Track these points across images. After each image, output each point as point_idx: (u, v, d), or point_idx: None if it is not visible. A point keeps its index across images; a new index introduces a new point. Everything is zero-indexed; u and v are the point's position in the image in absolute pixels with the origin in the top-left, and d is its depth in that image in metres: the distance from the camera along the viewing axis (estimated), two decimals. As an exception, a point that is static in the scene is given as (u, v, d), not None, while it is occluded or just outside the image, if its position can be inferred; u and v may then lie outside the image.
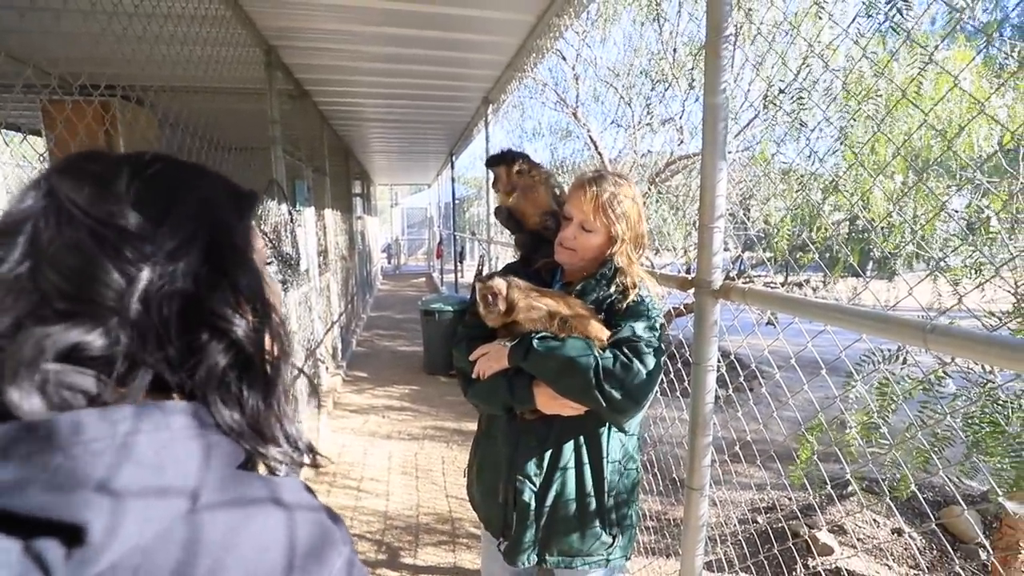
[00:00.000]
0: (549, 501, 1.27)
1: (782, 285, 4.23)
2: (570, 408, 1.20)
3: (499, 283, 1.25)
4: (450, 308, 5.50)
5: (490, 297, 1.25)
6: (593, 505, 1.27)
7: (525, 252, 1.52)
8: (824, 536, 2.73)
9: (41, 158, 2.79)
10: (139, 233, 0.42)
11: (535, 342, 1.19)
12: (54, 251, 0.40)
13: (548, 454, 1.26)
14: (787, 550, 2.48)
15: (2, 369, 0.37)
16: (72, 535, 0.34)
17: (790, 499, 3.14)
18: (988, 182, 2.11)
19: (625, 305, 1.25)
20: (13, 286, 0.39)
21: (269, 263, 0.52)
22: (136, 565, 0.36)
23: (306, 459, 0.53)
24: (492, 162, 1.53)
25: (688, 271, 4.45)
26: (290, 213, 3.48)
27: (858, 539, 2.85)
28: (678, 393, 2.07)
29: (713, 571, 2.57)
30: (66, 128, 2.70)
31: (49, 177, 0.44)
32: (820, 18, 2.39)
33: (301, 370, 0.58)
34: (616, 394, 1.12)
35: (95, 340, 0.40)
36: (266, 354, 0.49)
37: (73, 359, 0.39)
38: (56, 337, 0.39)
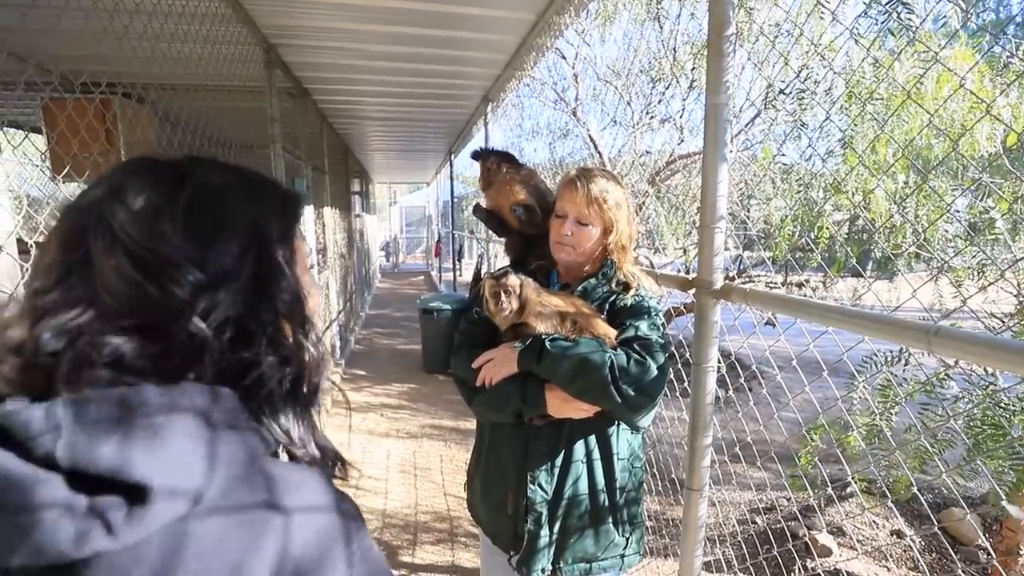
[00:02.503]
0: (562, 505, 1.25)
1: (782, 285, 4.23)
2: (582, 410, 1.19)
3: (513, 280, 1.21)
4: (448, 306, 5.50)
5: (503, 294, 1.20)
6: (606, 504, 1.27)
7: (516, 254, 1.50)
8: (823, 537, 2.72)
9: (43, 156, 2.78)
10: (186, 260, 0.44)
11: (548, 344, 1.16)
12: (107, 275, 0.42)
13: (559, 458, 1.25)
14: (786, 551, 2.48)
15: (57, 370, 0.40)
16: (134, 494, 0.37)
17: (789, 500, 3.14)
18: (991, 182, 2.10)
19: (628, 304, 1.25)
20: (74, 302, 0.42)
21: (312, 267, 0.55)
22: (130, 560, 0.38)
23: (337, 472, 0.56)
24: (474, 156, 1.52)
25: (688, 271, 4.45)
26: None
27: (857, 541, 2.85)
28: (678, 393, 2.06)
29: (712, 571, 2.56)
30: (67, 126, 2.69)
31: (101, 199, 0.45)
32: (822, 18, 2.39)
33: (338, 386, 0.62)
34: (632, 392, 1.11)
35: (140, 354, 0.42)
36: (308, 368, 0.51)
37: (123, 368, 0.42)
38: (102, 347, 0.41)
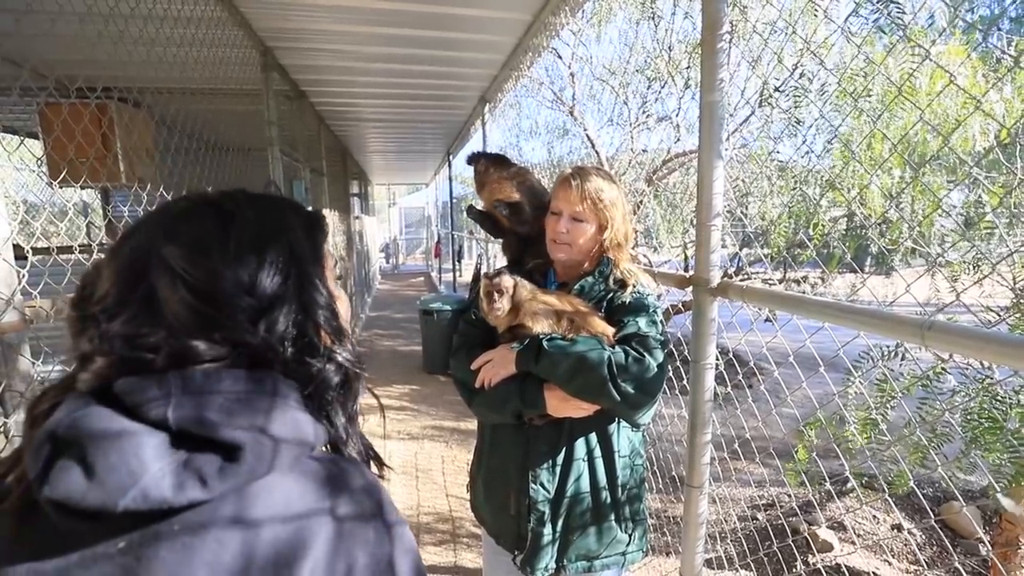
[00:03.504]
0: (564, 504, 1.25)
1: (780, 282, 4.24)
2: (581, 409, 1.19)
3: (507, 280, 1.22)
4: (448, 307, 5.50)
5: (495, 294, 1.20)
6: (608, 501, 1.27)
7: (513, 254, 1.51)
8: (824, 533, 2.73)
9: (39, 161, 2.78)
10: (237, 289, 0.51)
11: (545, 344, 1.17)
12: (173, 307, 0.49)
13: (560, 457, 1.25)
14: (787, 547, 2.48)
15: (154, 361, 0.47)
16: (230, 453, 0.45)
17: (789, 496, 3.15)
18: (985, 177, 2.11)
19: (626, 301, 1.25)
20: (146, 324, 0.49)
21: (339, 278, 0.63)
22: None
23: (373, 468, 0.63)
24: (468, 160, 1.53)
25: (686, 269, 4.46)
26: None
27: (857, 535, 2.86)
28: (677, 391, 2.07)
29: (713, 568, 2.57)
30: (63, 131, 2.69)
31: (155, 240, 0.51)
32: (815, 15, 2.40)
33: (371, 391, 0.69)
34: (631, 389, 1.12)
35: (219, 355, 0.49)
36: (350, 373, 0.58)
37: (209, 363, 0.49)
38: (191, 348, 0.48)
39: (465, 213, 1.69)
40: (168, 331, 0.48)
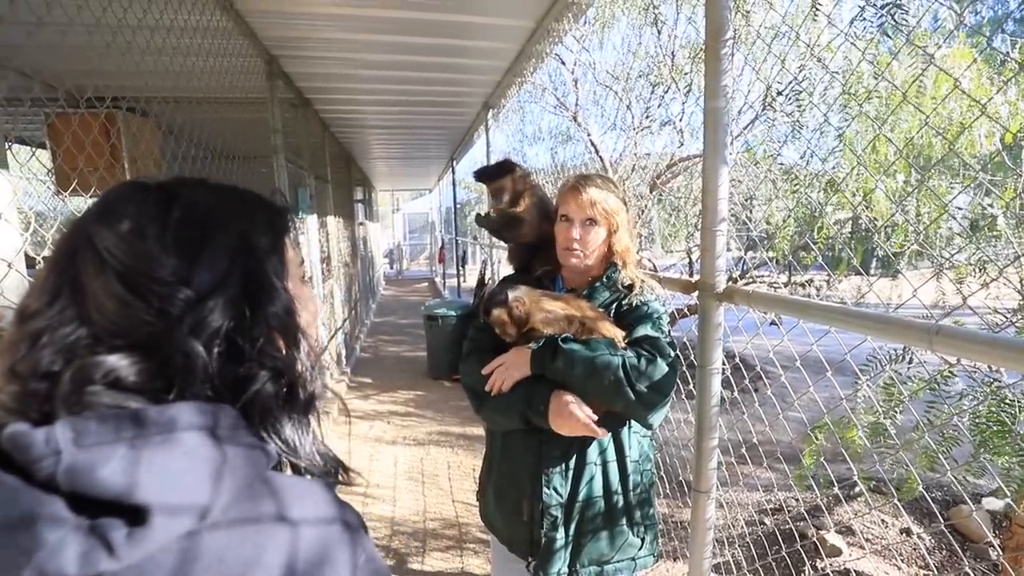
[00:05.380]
0: (577, 508, 1.26)
1: (785, 286, 4.22)
2: (585, 428, 1.16)
3: (497, 313, 1.22)
4: (453, 312, 5.52)
5: (498, 327, 1.23)
6: (620, 504, 1.28)
7: (521, 262, 1.51)
8: (832, 537, 2.71)
9: (49, 173, 2.81)
10: (173, 278, 0.45)
11: (560, 344, 1.18)
12: (97, 296, 0.43)
13: (573, 461, 1.25)
14: (795, 552, 2.47)
15: (56, 393, 0.41)
16: (134, 516, 0.38)
17: (797, 500, 3.13)
18: (991, 180, 2.10)
19: (634, 305, 1.27)
20: (66, 322, 0.43)
21: (306, 279, 0.57)
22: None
23: (340, 478, 0.57)
24: (497, 174, 1.46)
25: (692, 273, 4.45)
26: (293, 221, 3.50)
27: (866, 540, 2.84)
28: (683, 395, 2.07)
29: (721, 573, 2.55)
30: (72, 142, 2.72)
31: (87, 222, 0.46)
32: (816, 20, 2.40)
33: (337, 394, 0.63)
34: (645, 389, 1.13)
35: (136, 372, 0.43)
36: (301, 379, 0.52)
37: (120, 387, 0.43)
38: (98, 367, 0.42)
39: (476, 221, 1.67)
40: (89, 332, 0.43)
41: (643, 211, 4.79)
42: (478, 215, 1.59)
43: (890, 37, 2.09)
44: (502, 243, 1.70)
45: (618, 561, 1.29)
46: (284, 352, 0.51)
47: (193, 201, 0.48)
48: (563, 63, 5.29)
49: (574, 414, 1.16)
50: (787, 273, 4.23)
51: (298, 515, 0.45)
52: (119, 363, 0.42)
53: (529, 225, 1.45)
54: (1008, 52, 2.10)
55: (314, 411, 0.54)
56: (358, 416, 4.67)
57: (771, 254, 3.27)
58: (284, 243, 0.54)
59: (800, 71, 2.86)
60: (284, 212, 0.57)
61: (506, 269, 1.63)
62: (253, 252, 0.50)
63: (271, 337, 0.50)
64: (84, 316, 0.43)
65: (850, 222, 3.41)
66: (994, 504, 1.77)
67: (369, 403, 5.05)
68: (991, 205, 1.96)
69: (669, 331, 1.28)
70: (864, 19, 2.08)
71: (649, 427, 1.29)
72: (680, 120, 4.59)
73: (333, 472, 0.56)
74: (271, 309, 0.49)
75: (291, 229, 0.57)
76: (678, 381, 1.83)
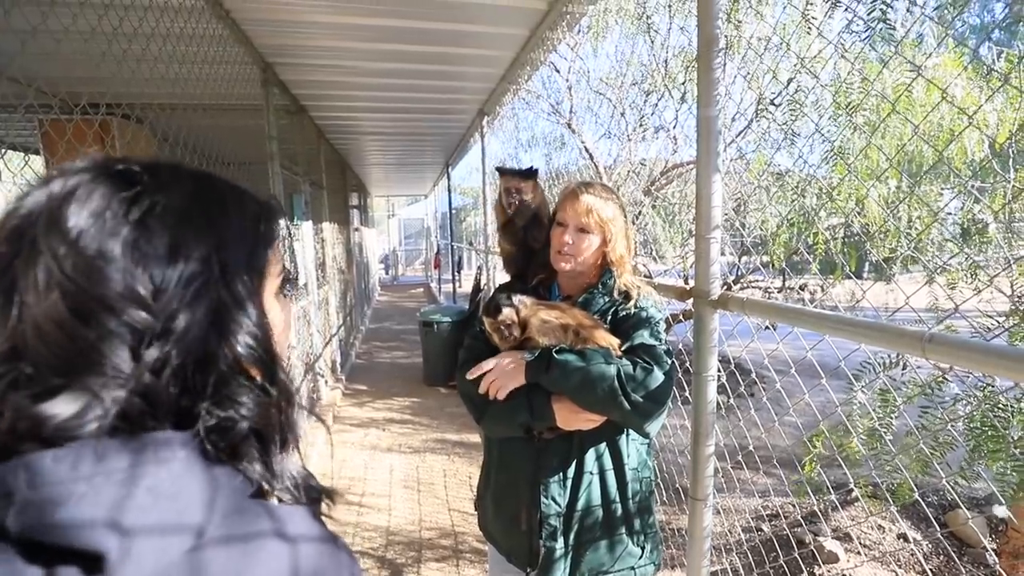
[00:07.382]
0: (576, 517, 1.25)
1: (779, 291, 4.24)
2: (591, 421, 1.19)
3: (508, 313, 1.24)
4: (449, 319, 5.50)
5: (504, 329, 1.23)
6: (619, 513, 1.27)
7: (518, 269, 1.51)
8: (830, 544, 2.71)
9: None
10: (131, 303, 0.38)
11: (555, 355, 1.17)
12: (38, 321, 0.37)
13: (571, 470, 1.25)
14: (792, 559, 2.46)
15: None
16: (92, 563, 0.34)
17: (794, 506, 3.13)
18: (980, 186, 2.12)
19: (631, 313, 1.27)
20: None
21: (287, 294, 0.50)
22: None
23: (322, 504, 0.52)
24: (528, 175, 1.48)
25: (686, 279, 4.47)
26: (288, 228, 3.50)
27: (864, 546, 2.84)
28: (679, 402, 2.07)
29: (719, 580, 2.55)
30: (66, 149, 2.71)
31: (36, 223, 0.38)
32: (808, 32, 2.43)
33: (313, 412, 0.58)
34: (641, 400, 1.13)
35: (82, 417, 0.37)
36: (272, 407, 0.47)
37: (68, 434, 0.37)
38: (35, 419, 0.36)
39: (497, 225, 1.65)
40: (25, 366, 0.36)
41: (637, 217, 4.81)
42: (536, 218, 1.56)
43: (875, 51, 2.12)
44: (497, 249, 1.70)
45: (618, 570, 1.28)
46: (259, 382, 0.45)
47: (161, 204, 0.41)
48: (557, 70, 5.33)
49: (580, 411, 1.17)
50: (782, 278, 4.26)
51: (295, 531, 0.43)
52: (64, 410, 0.36)
53: (544, 230, 1.46)
54: (994, 61, 2.13)
55: (290, 438, 0.48)
56: (353, 423, 4.65)
57: (765, 258, 3.28)
58: (266, 254, 0.48)
59: (789, 83, 2.89)
60: (272, 212, 0.50)
61: (502, 276, 1.63)
62: (224, 268, 0.43)
63: (242, 370, 0.44)
64: (18, 342, 0.37)
65: (842, 227, 3.44)
66: (1002, 511, 1.78)
67: (364, 410, 5.02)
68: (981, 212, 1.98)
69: (665, 337, 1.28)
70: (852, 32, 2.10)
71: (646, 436, 1.29)
72: (673, 127, 4.63)
73: (316, 500, 0.51)
74: (238, 334, 0.43)
75: (277, 235, 0.50)
76: (673, 388, 1.82)
